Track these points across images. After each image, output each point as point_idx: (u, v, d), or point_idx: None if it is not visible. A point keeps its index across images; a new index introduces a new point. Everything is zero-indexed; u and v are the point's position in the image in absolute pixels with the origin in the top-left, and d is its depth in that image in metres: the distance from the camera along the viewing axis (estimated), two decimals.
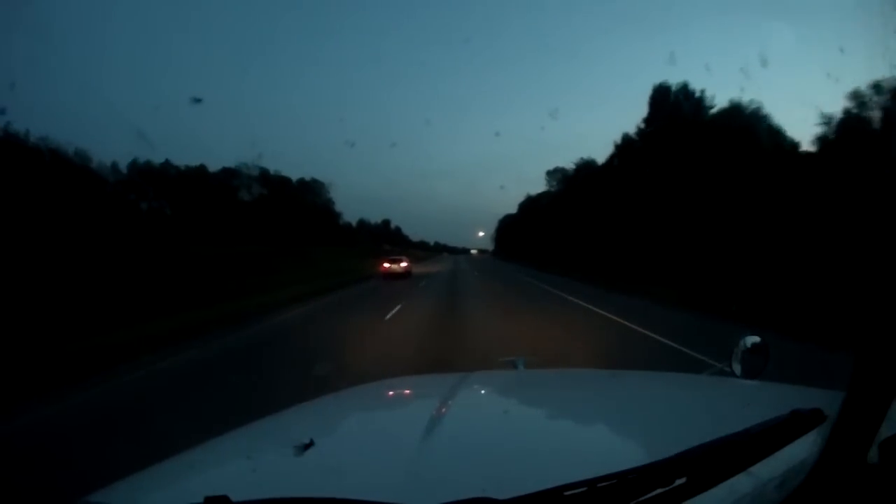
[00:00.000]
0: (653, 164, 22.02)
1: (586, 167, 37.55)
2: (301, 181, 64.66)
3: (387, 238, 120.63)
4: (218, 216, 48.24)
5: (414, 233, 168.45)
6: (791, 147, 16.83)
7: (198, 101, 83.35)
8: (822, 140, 14.60)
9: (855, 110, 13.56)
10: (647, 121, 26.37)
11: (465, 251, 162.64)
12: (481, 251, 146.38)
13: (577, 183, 37.14)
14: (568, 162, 56.27)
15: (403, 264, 24.28)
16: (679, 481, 0.58)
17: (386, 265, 24.20)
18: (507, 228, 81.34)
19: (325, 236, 54.33)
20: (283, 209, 50.64)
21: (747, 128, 17.54)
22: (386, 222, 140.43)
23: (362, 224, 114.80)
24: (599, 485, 0.55)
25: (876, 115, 12.54)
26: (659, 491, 0.57)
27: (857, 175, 10.14)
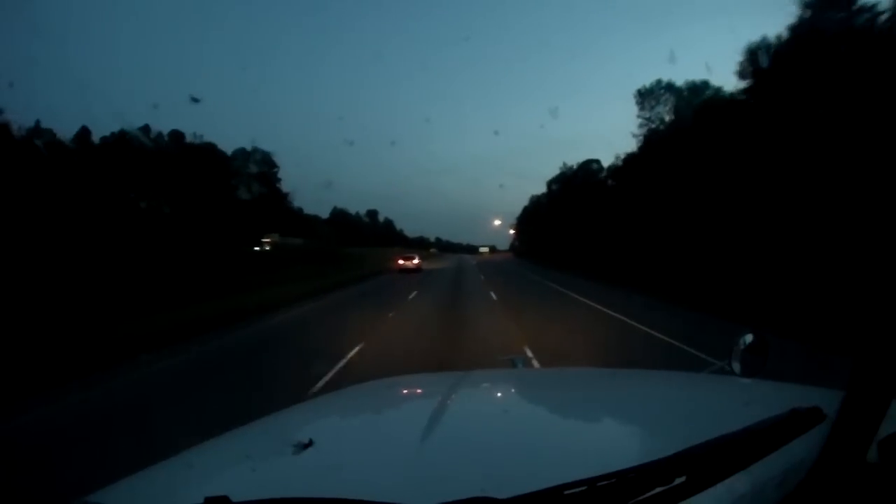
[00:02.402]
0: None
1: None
2: (241, 151, 46.59)
3: (378, 234, 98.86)
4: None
5: (414, 230, 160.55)
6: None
7: (196, 100, 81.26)
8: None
9: None
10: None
11: (472, 250, 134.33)
12: (493, 250, 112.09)
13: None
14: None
15: (415, 261, 29.42)
16: (679, 480, 0.58)
17: (400, 262, 29.01)
18: (536, 217, 52.84)
19: (254, 227, 37.86)
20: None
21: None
22: (372, 213, 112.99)
23: (339, 215, 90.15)
24: (599, 484, 0.55)
25: None
26: (659, 490, 0.56)
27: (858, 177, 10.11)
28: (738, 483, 0.61)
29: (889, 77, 9.92)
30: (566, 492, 0.54)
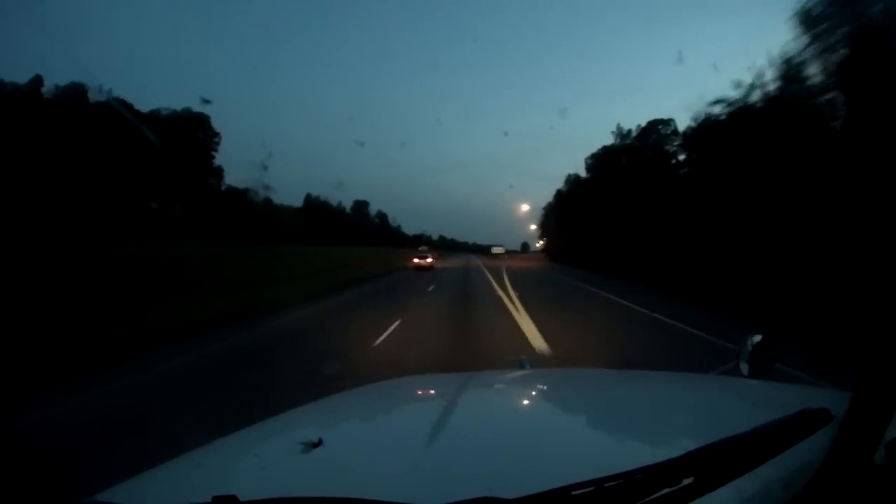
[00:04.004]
0: None
1: None
2: (172, 114, 35.19)
3: (367, 229, 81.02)
4: None
5: (419, 227, 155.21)
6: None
7: (207, 101, 77.92)
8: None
9: None
10: None
11: (479, 249, 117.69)
12: (509, 252, 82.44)
13: None
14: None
15: (429, 260, 30.88)
16: (686, 481, 0.58)
17: (416, 260, 30.47)
18: (577, 204, 34.18)
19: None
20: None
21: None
22: (361, 204, 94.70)
23: (313, 204, 73.76)
24: (606, 484, 0.55)
25: None
26: (666, 491, 0.57)
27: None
28: (746, 484, 0.61)
29: None
30: (574, 492, 0.54)
